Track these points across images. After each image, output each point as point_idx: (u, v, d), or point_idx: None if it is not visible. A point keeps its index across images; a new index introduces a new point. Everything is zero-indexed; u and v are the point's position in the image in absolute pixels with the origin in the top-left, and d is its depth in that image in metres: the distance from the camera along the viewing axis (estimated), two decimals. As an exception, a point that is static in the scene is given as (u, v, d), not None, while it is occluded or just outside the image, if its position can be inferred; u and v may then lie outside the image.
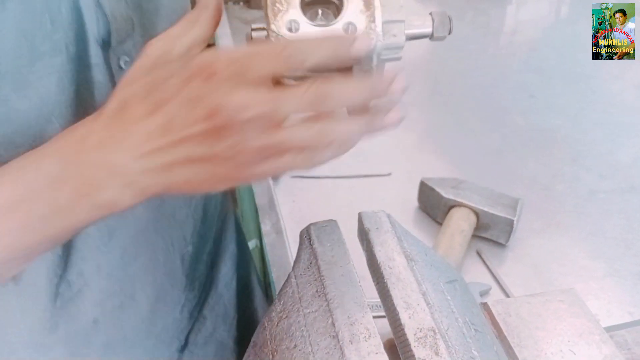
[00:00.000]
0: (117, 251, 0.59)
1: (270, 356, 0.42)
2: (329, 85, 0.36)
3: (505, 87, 1.19)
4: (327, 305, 0.43)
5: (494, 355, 0.44)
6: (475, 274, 0.76)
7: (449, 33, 0.43)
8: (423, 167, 0.94)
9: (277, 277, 0.74)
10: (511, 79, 1.22)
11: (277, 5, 0.38)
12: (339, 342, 0.40)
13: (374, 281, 0.47)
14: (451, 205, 0.80)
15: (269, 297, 0.97)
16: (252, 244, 1.24)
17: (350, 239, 0.51)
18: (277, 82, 0.38)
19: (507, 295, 0.72)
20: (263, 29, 0.40)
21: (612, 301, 0.72)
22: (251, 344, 0.46)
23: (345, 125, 0.38)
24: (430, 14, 0.44)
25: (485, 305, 0.53)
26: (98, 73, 0.47)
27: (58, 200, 0.37)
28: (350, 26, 0.39)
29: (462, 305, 0.46)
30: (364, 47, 0.37)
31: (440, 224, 0.81)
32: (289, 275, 0.47)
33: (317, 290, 0.44)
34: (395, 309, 0.42)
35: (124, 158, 0.36)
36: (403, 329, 0.41)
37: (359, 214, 0.51)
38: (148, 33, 0.52)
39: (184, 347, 0.79)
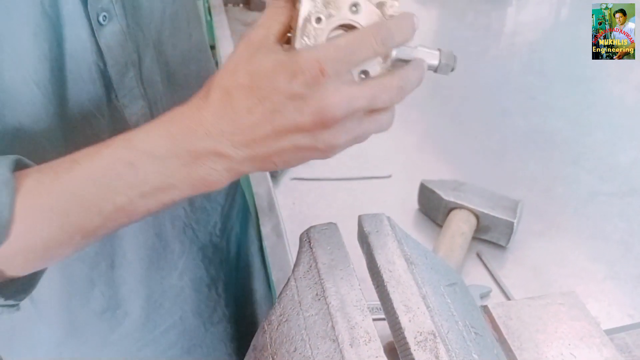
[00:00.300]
0: None
1: (270, 359, 0.42)
2: (406, 72, 0.41)
3: (505, 89, 1.19)
4: (327, 308, 0.43)
5: (494, 358, 0.44)
6: (476, 276, 0.76)
7: (452, 71, 0.47)
8: (423, 169, 0.94)
9: (278, 280, 0.74)
10: (512, 80, 1.22)
11: (305, 39, 0.41)
12: (339, 345, 0.40)
13: (374, 284, 0.47)
14: (451, 208, 0.80)
15: (271, 289, 0.97)
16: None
17: (350, 241, 0.51)
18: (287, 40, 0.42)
19: (508, 298, 0.72)
20: None
21: (612, 304, 0.72)
22: (251, 347, 0.46)
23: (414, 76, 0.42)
24: (439, 50, 0.46)
25: (485, 308, 0.53)
26: (79, 28, 0.50)
27: (167, 178, 0.41)
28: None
29: (463, 309, 0.46)
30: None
31: (440, 226, 0.81)
32: (288, 278, 0.47)
33: (317, 294, 0.44)
34: (395, 313, 0.42)
35: (231, 149, 0.40)
36: (403, 333, 0.41)
37: (359, 217, 0.51)
38: None
39: (189, 318, 0.79)
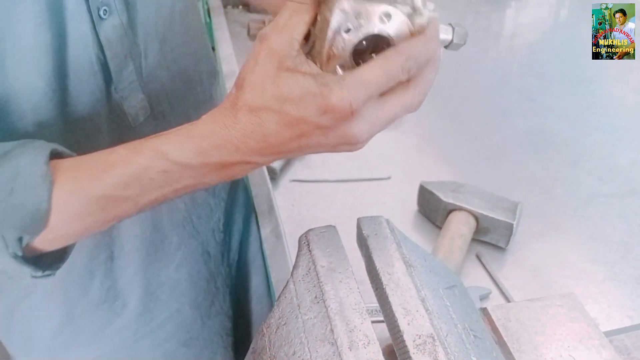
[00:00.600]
0: None
1: (269, 363, 0.42)
2: (422, 86, 0.43)
3: (505, 90, 1.19)
4: (326, 311, 0.43)
5: (493, 361, 0.44)
6: (475, 277, 0.76)
7: (464, 44, 0.46)
8: (422, 171, 0.94)
9: (277, 282, 0.74)
10: (511, 81, 1.22)
11: (333, 49, 0.41)
12: (337, 348, 0.40)
13: (373, 287, 0.47)
14: (451, 209, 0.80)
15: (270, 288, 0.97)
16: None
17: (350, 243, 0.51)
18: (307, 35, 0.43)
19: (507, 299, 0.72)
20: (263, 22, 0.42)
21: (611, 305, 0.72)
22: (250, 350, 0.46)
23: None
24: (451, 26, 0.46)
25: (484, 311, 0.53)
26: (80, 21, 0.52)
27: (199, 180, 0.46)
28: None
29: (462, 311, 0.46)
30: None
31: (440, 227, 0.81)
32: (287, 281, 0.47)
33: (315, 297, 0.44)
34: (394, 316, 0.42)
35: (259, 158, 0.44)
36: (402, 336, 0.41)
37: (358, 219, 0.51)
38: None
39: (186, 311, 0.80)
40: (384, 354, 0.40)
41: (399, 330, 0.41)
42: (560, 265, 0.78)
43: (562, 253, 0.80)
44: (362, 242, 0.50)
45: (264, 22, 0.45)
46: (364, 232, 0.50)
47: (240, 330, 0.93)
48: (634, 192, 0.90)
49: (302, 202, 0.90)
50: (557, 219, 0.85)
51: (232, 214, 0.88)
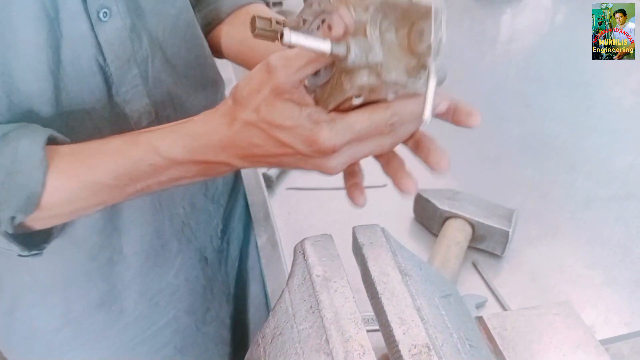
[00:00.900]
0: None
1: (264, 374, 0.42)
2: (400, 136, 0.48)
3: (501, 96, 1.19)
4: (322, 321, 0.43)
5: (489, 370, 0.44)
6: (472, 285, 0.76)
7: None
8: (418, 178, 0.93)
9: (273, 291, 0.74)
10: (507, 87, 1.23)
11: (340, 107, 0.45)
12: (333, 359, 0.40)
13: (368, 296, 0.47)
14: (447, 217, 0.80)
15: (267, 297, 0.97)
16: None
17: (346, 251, 0.51)
18: None
19: (503, 307, 0.72)
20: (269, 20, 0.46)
21: (609, 310, 0.72)
22: (245, 360, 0.46)
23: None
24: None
25: (480, 319, 0.53)
26: (78, 22, 0.53)
27: (182, 175, 0.50)
28: None
29: (457, 320, 0.46)
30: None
31: (436, 235, 0.81)
32: (282, 291, 0.47)
33: (311, 306, 0.44)
34: (389, 325, 0.42)
35: (240, 162, 0.48)
36: (397, 345, 0.41)
37: (353, 228, 0.51)
38: None
39: (182, 317, 0.80)
40: (379, 364, 0.40)
41: (395, 340, 0.41)
42: (558, 271, 0.77)
43: (559, 258, 0.80)
44: (358, 251, 0.50)
45: (270, 21, 0.45)
46: (359, 240, 0.50)
47: (238, 339, 0.93)
48: (632, 195, 0.90)
49: (299, 209, 0.90)
50: (554, 223, 0.85)
51: (231, 220, 0.88)
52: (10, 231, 0.50)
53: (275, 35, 0.46)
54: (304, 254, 0.49)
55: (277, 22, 0.46)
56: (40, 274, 0.67)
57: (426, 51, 0.42)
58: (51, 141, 0.50)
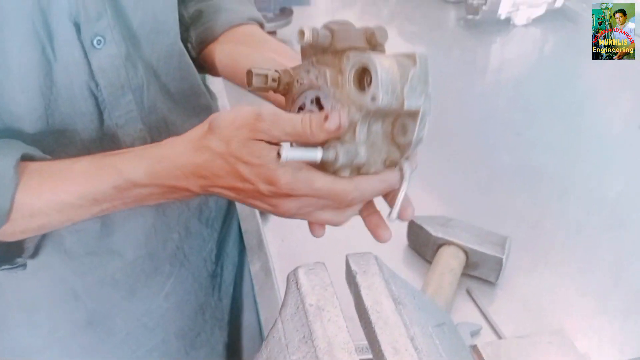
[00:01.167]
0: (96, 222, 0.65)
1: (257, 405, 0.42)
2: (354, 212, 0.52)
3: (491, 125, 1.21)
4: (315, 351, 0.42)
5: (484, 400, 0.44)
6: (466, 313, 0.75)
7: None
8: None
9: (266, 320, 0.73)
10: (497, 116, 1.24)
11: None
12: (326, 389, 0.40)
13: (361, 325, 0.47)
14: (440, 244, 0.80)
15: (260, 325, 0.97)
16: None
17: (339, 279, 0.51)
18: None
19: (498, 335, 0.71)
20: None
21: (602, 339, 0.72)
22: (238, 391, 0.45)
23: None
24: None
25: (475, 348, 0.53)
26: (71, 48, 0.55)
27: (145, 198, 0.52)
28: None
29: (451, 349, 0.46)
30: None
31: (429, 262, 0.81)
32: (275, 320, 0.46)
33: (304, 336, 0.44)
34: (382, 355, 0.42)
35: (201, 190, 0.51)
36: (391, 376, 0.40)
37: (347, 256, 0.51)
38: (121, 15, 0.58)
39: (171, 340, 0.80)
40: (373, 394, 0.39)
41: (388, 370, 0.41)
42: (551, 299, 0.77)
43: (552, 286, 0.80)
44: (351, 280, 0.50)
45: (266, 77, 0.49)
46: (352, 269, 0.50)
47: None
48: (622, 224, 0.91)
49: (292, 236, 0.89)
50: (546, 252, 0.85)
51: (225, 245, 0.88)
52: None
53: (269, 89, 0.51)
54: (296, 282, 0.49)
55: (273, 80, 0.50)
56: (25, 292, 0.67)
57: (406, 145, 0.46)
58: (26, 158, 0.52)
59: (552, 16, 1.56)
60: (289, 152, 0.44)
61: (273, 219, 0.93)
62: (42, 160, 0.53)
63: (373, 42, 0.47)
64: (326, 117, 0.45)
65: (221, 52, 0.72)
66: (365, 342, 0.48)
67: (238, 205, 0.92)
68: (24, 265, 0.60)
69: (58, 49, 0.54)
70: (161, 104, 0.65)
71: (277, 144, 0.46)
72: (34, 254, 0.62)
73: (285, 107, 0.53)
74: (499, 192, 1.00)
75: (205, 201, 0.80)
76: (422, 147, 0.53)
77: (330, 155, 0.46)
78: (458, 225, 0.82)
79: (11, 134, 0.54)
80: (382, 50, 0.49)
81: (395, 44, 0.45)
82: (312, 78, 0.49)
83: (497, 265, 0.77)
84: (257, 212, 0.91)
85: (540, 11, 1.54)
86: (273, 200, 0.49)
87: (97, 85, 0.58)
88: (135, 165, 0.50)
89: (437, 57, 1.50)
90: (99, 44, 0.57)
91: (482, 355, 0.51)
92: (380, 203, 0.57)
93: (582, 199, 0.97)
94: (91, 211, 0.53)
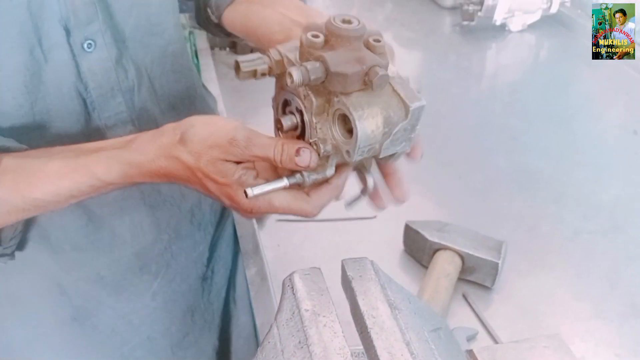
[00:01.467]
0: (82, 218, 0.67)
1: (252, 411, 0.41)
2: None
3: (488, 130, 1.21)
4: (310, 356, 0.42)
5: (480, 405, 0.44)
6: (462, 317, 0.75)
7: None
8: (408, 210, 0.94)
9: (262, 325, 0.73)
10: (493, 121, 1.24)
11: None
12: (322, 395, 0.39)
13: (357, 330, 0.47)
14: (436, 249, 0.80)
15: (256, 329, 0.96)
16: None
17: (335, 284, 0.51)
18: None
19: (494, 339, 0.71)
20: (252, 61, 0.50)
21: (599, 343, 0.72)
22: (233, 397, 0.45)
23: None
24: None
25: (471, 353, 0.53)
26: (62, 51, 0.57)
27: (133, 177, 0.54)
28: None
29: (447, 354, 0.46)
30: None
31: (425, 267, 0.81)
32: (271, 325, 0.46)
33: (299, 341, 0.44)
34: (378, 360, 0.42)
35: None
36: (387, 381, 0.40)
37: (342, 261, 0.51)
38: (114, 19, 0.59)
39: (157, 338, 0.80)
40: (369, 400, 0.39)
41: (384, 375, 0.41)
42: (547, 304, 0.78)
43: (548, 291, 0.80)
44: (347, 285, 0.50)
45: (255, 73, 0.49)
46: (348, 274, 0.49)
47: None
48: (617, 228, 0.91)
49: (288, 241, 0.89)
50: (542, 257, 0.86)
51: (217, 248, 0.88)
52: None
53: (260, 78, 0.51)
54: (292, 287, 0.49)
55: (262, 74, 0.50)
56: (11, 285, 0.68)
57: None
58: (2, 150, 0.54)
59: (548, 22, 1.57)
60: (255, 189, 0.48)
61: (269, 224, 0.93)
62: (18, 150, 0.55)
63: (371, 77, 0.45)
64: (297, 151, 0.48)
65: (236, 12, 0.71)
66: (361, 348, 0.47)
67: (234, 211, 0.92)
68: (9, 255, 0.62)
69: (47, 51, 0.55)
70: (152, 106, 0.66)
71: (243, 163, 0.50)
72: (20, 246, 0.63)
73: (276, 87, 0.54)
74: (495, 196, 1.00)
75: (199, 204, 0.80)
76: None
77: (298, 179, 0.50)
78: (454, 230, 0.82)
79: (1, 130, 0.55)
80: (385, 60, 0.47)
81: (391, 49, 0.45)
82: (301, 93, 0.49)
83: (493, 269, 0.77)
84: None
85: (535, 17, 1.55)
86: (234, 208, 0.53)
87: (86, 87, 0.59)
88: (109, 169, 0.52)
89: (432, 63, 1.51)
90: (89, 48, 0.58)
91: (478, 360, 0.51)
92: (378, 204, 0.58)
93: (578, 204, 0.97)
94: (69, 202, 0.56)
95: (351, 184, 0.58)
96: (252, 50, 0.83)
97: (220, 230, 0.88)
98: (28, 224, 0.63)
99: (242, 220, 0.91)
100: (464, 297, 0.78)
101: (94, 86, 0.60)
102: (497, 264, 0.77)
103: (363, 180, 0.57)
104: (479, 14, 1.50)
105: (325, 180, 0.53)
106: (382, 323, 0.44)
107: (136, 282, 0.75)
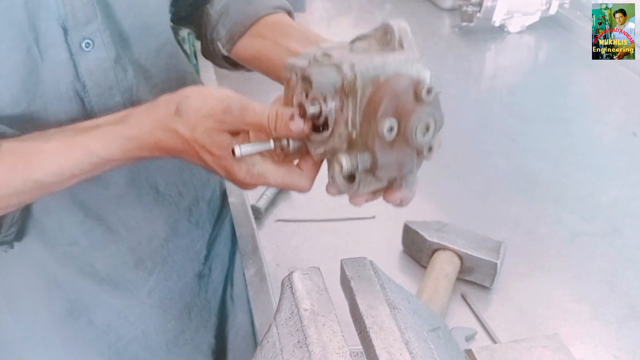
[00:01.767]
0: (78, 213, 0.67)
1: (251, 410, 0.41)
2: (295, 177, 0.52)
3: (486, 131, 1.21)
4: (309, 356, 0.42)
5: (479, 405, 0.44)
6: (461, 317, 0.75)
7: None
8: (407, 210, 0.93)
9: (261, 325, 0.73)
10: (492, 122, 1.25)
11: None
12: (320, 394, 0.39)
13: (356, 330, 0.47)
14: (435, 249, 0.80)
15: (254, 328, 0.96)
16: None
17: (334, 283, 0.51)
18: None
19: (493, 340, 0.71)
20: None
21: (597, 345, 0.72)
22: (232, 397, 0.45)
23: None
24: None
25: (470, 352, 0.53)
26: (60, 51, 0.57)
27: (122, 163, 0.55)
28: None
29: (446, 354, 0.46)
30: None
31: (424, 267, 0.81)
32: (270, 325, 0.46)
33: (298, 341, 0.44)
34: (377, 359, 0.42)
35: (170, 156, 0.54)
36: (386, 380, 0.40)
37: (342, 261, 0.51)
38: (112, 19, 0.60)
39: (151, 334, 0.80)
40: (367, 399, 0.39)
41: (383, 375, 0.41)
42: (546, 305, 0.77)
43: (547, 292, 0.80)
44: (346, 284, 0.50)
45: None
46: (347, 274, 0.49)
47: None
48: (616, 231, 0.91)
49: (287, 242, 0.89)
50: (541, 258, 0.86)
51: (215, 246, 0.88)
52: None
53: None
54: (291, 287, 0.49)
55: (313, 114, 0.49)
56: (7, 279, 0.68)
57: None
58: None
59: (546, 23, 1.57)
60: (242, 147, 0.48)
61: (268, 224, 0.93)
62: (13, 136, 0.55)
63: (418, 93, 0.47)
64: (291, 117, 0.47)
65: (251, 47, 0.72)
66: (360, 347, 0.47)
67: (232, 209, 0.91)
68: (9, 243, 0.62)
69: (44, 49, 0.55)
70: None
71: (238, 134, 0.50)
72: (19, 236, 0.63)
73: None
74: (494, 197, 1.00)
75: (196, 203, 0.80)
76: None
77: (283, 143, 0.49)
78: (453, 231, 0.82)
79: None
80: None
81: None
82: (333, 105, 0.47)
83: (492, 270, 0.77)
84: (252, 217, 0.91)
85: (534, 19, 1.55)
86: (230, 178, 0.52)
87: (84, 86, 0.59)
88: (108, 145, 0.52)
89: (432, 65, 1.50)
90: (87, 47, 0.58)
91: (476, 359, 0.51)
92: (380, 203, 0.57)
93: (577, 205, 0.97)
94: (70, 183, 0.55)
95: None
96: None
97: (218, 228, 0.88)
98: (24, 215, 0.63)
99: (242, 220, 0.91)
100: (463, 297, 0.78)
101: (92, 85, 0.60)
102: (496, 264, 0.77)
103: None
104: (478, 15, 1.51)
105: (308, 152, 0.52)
106: (381, 323, 0.44)
107: (131, 278, 0.75)
